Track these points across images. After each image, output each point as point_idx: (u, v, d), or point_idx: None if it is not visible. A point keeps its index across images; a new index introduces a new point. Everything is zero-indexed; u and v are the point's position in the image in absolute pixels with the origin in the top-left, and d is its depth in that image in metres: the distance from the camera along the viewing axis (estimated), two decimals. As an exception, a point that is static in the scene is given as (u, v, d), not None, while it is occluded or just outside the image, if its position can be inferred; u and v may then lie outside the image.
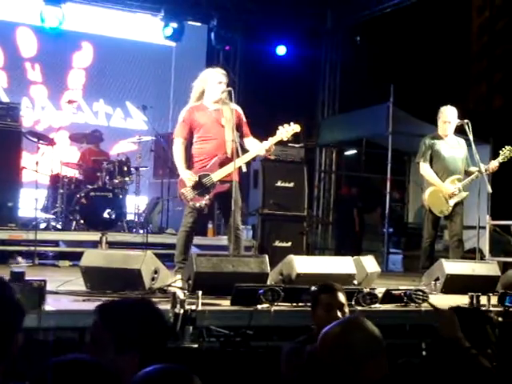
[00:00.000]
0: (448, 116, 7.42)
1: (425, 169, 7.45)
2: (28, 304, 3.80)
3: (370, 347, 2.47)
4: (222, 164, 6.15)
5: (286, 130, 6.29)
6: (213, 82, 6.21)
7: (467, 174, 7.49)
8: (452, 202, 7.36)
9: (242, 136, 6.34)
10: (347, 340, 2.48)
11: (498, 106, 18.25)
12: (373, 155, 14.03)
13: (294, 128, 6.33)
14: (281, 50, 12.88)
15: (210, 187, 6.15)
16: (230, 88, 6.26)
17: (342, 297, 3.84)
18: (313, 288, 4.08)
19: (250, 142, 6.33)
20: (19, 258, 7.74)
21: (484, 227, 8.98)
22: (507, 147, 7.41)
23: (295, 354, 3.65)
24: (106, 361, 2.21)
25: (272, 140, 6.29)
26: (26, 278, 4.11)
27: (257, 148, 6.25)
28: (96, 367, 1.91)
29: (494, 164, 7.40)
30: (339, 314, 3.72)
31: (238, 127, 6.24)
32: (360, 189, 14.19)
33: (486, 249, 9.19)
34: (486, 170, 7.38)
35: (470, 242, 9.52)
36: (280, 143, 9.33)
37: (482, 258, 8.82)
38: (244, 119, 6.39)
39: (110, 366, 2.08)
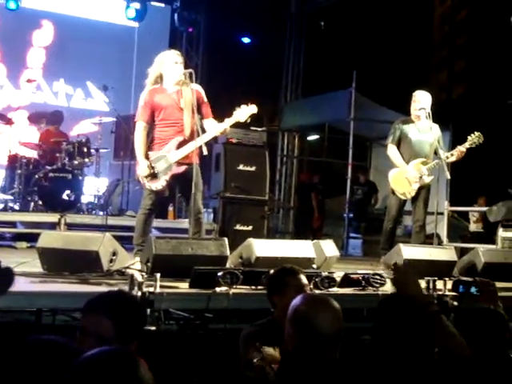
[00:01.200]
0: (421, 101, 7.43)
1: (391, 150, 7.48)
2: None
3: (334, 326, 2.56)
4: (180, 146, 6.10)
5: (244, 112, 6.25)
6: (169, 63, 6.15)
7: (436, 158, 7.48)
8: (415, 186, 7.37)
9: (202, 117, 6.29)
10: (312, 317, 2.56)
11: (459, 94, 18.46)
12: (335, 141, 14.09)
13: (251, 109, 6.27)
14: (246, 40, 12.84)
15: (167, 169, 6.11)
16: (190, 70, 6.20)
17: (304, 279, 3.86)
18: (272, 271, 4.08)
19: (210, 123, 6.28)
20: None
21: (442, 213, 9.08)
22: (476, 133, 7.39)
23: (254, 337, 3.65)
24: None
25: (228, 121, 6.24)
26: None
27: (213, 129, 6.20)
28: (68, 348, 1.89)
29: (461, 149, 7.36)
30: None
31: (199, 108, 6.19)
32: (322, 174, 14.25)
33: (443, 234, 9.31)
34: (450, 156, 7.38)
35: (428, 228, 9.62)
36: (242, 127, 9.38)
37: (440, 243, 8.94)
38: (205, 99, 6.34)
39: None
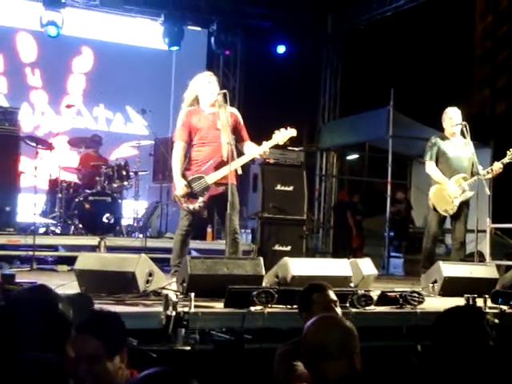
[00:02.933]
0: (455, 117, 7.44)
1: (430, 167, 7.45)
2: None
3: (343, 345, 2.51)
4: (218, 167, 6.15)
5: (282, 135, 6.31)
6: (203, 83, 6.23)
7: (474, 174, 7.40)
8: (457, 202, 7.30)
9: (240, 140, 6.32)
10: (321, 336, 2.53)
11: (502, 110, 18.22)
12: (376, 159, 14.01)
13: (291, 132, 6.35)
14: (281, 49, 12.77)
15: (204, 189, 6.14)
16: (224, 91, 6.26)
17: (333, 294, 3.82)
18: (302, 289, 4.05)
19: (248, 146, 6.32)
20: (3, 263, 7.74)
21: (484, 231, 8.92)
22: None
23: (289, 356, 3.61)
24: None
25: (267, 144, 6.30)
26: (17, 281, 4.10)
27: (252, 151, 6.24)
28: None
29: (498, 166, 7.31)
30: (333, 311, 3.70)
31: (235, 131, 6.23)
32: (362, 193, 14.16)
33: (486, 252, 9.13)
34: (488, 173, 7.34)
35: (470, 246, 9.46)
36: (280, 147, 9.38)
37: (482, 261, 8.77)
38: (241, 122, 6.38)
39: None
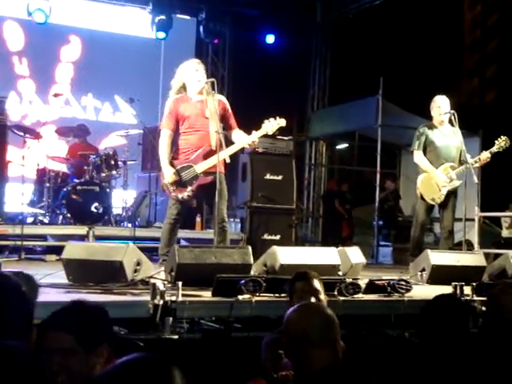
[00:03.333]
0: (441, 105, 7.43)
1: (418, 157, 7.46)
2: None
3: (326, 333, 2.48)
4: (207, 156, 6.12)
5: (272, 124, 6.28)
6: (190, 71, 6.19)
7: (462, 163, 7.43)
8: (444, 190, 7.33)
9: (228, 128, 6.31)
10: (303, 324, 2.50)
11: (491, 99, 18.27)
12: (365, 148, 14.02)
13: (280, 122, 6.31)
14: (270, 39, 12.74)
15: (193, 178, 6.12)
16: (212, 79, 6.23)
17: (317, 284, 3.81)
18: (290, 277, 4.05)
19: (237, 134, 6.30)
20: None
21: (473, 219, 8.93)
22: (503, 137, 7.35)
23: (275, 344, 3.61)
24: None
25: (257, 134, 6.27)
26: (2, 270, 4.07)
27: (240, 141, 6.22)
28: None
29: (486, 155, 7.35)
30: (313, 300, 3.69)
31: (223, 118, 6.21)
32: (352, 183, 14.18)
33: (475, 241, 9.16)
34: (475, 162, 7.36)
35: (459, 235, 9.49)
36: (269, 136, 9.36)
37: (471, 250, 8.80)
38: (229, 110, 6.35)
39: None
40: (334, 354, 2.44)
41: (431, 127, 7.51)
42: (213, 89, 6.14)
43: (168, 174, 6.09)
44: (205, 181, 6.12)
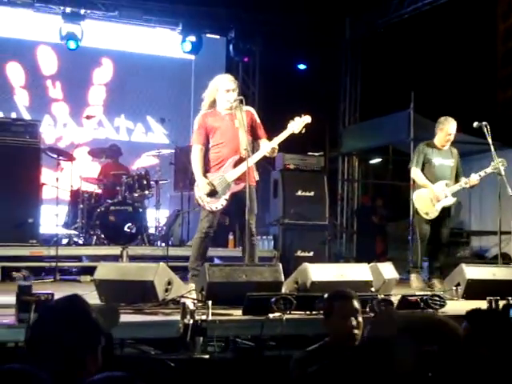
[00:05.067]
0: (450, 129, 7.62)
1: (415, 173, 7.68)
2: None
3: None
4: (236, 164, 6.14)
5: (297, 123, 6.22)
6: (222, 90, 6.22)
7: (457, 182, 7.67)
8: (438, 206, 7.53)
9: (256, 138, 6.31)
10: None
11: (526, 110, 18.01)
12: (399, 163, 13.89)
13: (305, 119, 6.26)
14: (301, 66, 12.87)
15: (226, 188, 6.14)
16: (241, 97, 6.26)
17: (356, 304, 3.76)
18: (326, 295, 4.01)
19: (263, 143, 6.30)
20: (21, 273, 7.78)
21: (509, 232, 8.80)
22: (499, 159, 7.44)
23: (303, 363, 3.58)
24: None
25: (282, 134, 6.24)
26: (34, 292, 4.11)
27: (263, 147, 6.20)
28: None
29: (475, 178, 7.52)
30: (353, 321, 3.65)
31: (252, 129, 6.23)
32: (385, 197, 14.06)
33: (512, 254, 9.03)
34: (465, 183, 7.56)
35: (496, 248, 9.35)
36: (300, 152, 9.37)
37: (508, 263, 8.66)
38: (258, 120, 6.37)
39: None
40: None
41: (430, 146, 7.73)
42: (241, 103, 6.19)
43: (203, 185, 6.12)
44: (237, 188, 6.13)
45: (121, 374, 1.85)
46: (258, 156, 6.19)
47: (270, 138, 6.39)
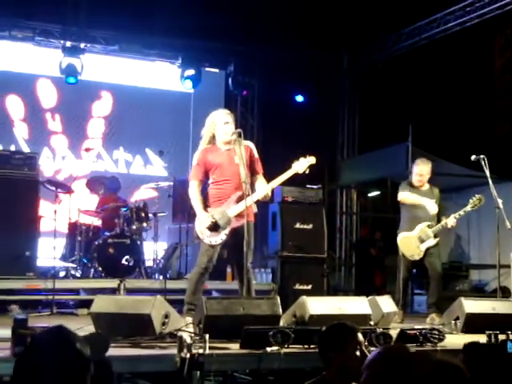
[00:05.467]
0: (420, 170, 7.92)
1: (404, 194, 7.89)
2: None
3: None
4: (238, 201, 6.13)
5: (302, 163, 6.24)
6: (220, 124, 6.25)
7: (439, 221, 7.84)
8: (423, 247, 7.73)
9: (253, 173, 6.31)
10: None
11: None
12: (397, 196, 13.87)
13: (310, 160, 6.28)
14: (299, 98, 12.94)
15: (227, 223, 6.11)
16: (239, 130, 6.28)
17: (360, 336, 3.73)
18: (327, 327, 3.95)
19: (259, 182, 6.30)
20: (13, 306, 7.70)
21: (508, 265, 8.76)
22: (477, 196, 7.63)
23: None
24: None
25: (287, 174, 6.26)
26: (30, 325, 4.08)
27: (260, 191, 6.19)
28: None
29: (452, 220, 7.70)
30: (358, 353, 3.61)
31: (251, 163, 6.23)
32: (385, 230, 14.02)
33: (512, 288, 8.99)
34: (444, 225, 7.73)
35: (496, 281, 9.31)
36: (298, 185, 9.37)
37: (508, 297, 8.64)
38: (256, 155, 6.39)
39: None
40: None
41: (411, 185, 7.95)
42: (239, 137, 6.19)
43: (204, 219, 6.09)
44: (237, 224, 6.09)
45: None
46: (257, 196, 6.17)
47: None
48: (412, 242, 7.76)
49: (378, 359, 2.74)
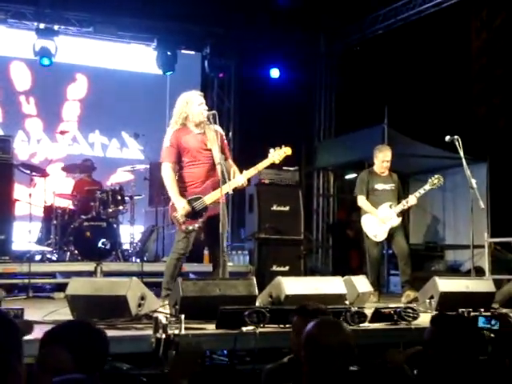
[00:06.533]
0: (384, 156, 8.13)
1: (361, 200, 8.16)
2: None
3: (343, 349, 2.74)
4: (214, 187, 6.10)
5: (278, 153, 6.27)
6: (195, 104, 6.21)
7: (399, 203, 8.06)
8: (386, 228, 7.93)
9: (224, 158, 6.30)
10: (324, 342, 2.75)
11: (498, 126, 18.20)
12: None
13: (286, 151, 6.31)
14: (274, 73, 12.87)
15: (203, 210, 6.09)
16: (214, 111, 6.25)
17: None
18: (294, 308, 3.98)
19: (232, 167, 6.30)
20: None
21: (482, 246, 8.85)
22: (436, 175, 7.91)
23: (274, 376, 3.56)
24: None
25: (263, 163, 6.27)
26: (2, 307, 4.06)
27: (240, 177, 6.17)
28: None
29: (413, 200, 7.93)
30: None
31: (222, 148, 6.20)
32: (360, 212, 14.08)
33: (486, 267, 9.06)
34: (403, 205, 7.95)
35: (470, 262, 9.40)
36: (275, 167, 9.35)
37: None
38: (225, 141, 6.39)
39: None
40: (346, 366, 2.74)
41: (371, 173, 8.23)
42: (214, 121, 6.15)
43: (180, 206, 6.05)
44: (214, 211, 6.08)
45: (82, 376, 1.81)
46: (234, 184, 6.15)
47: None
48: (375, 223, 7.96)
49: (312, 331, 2.82)
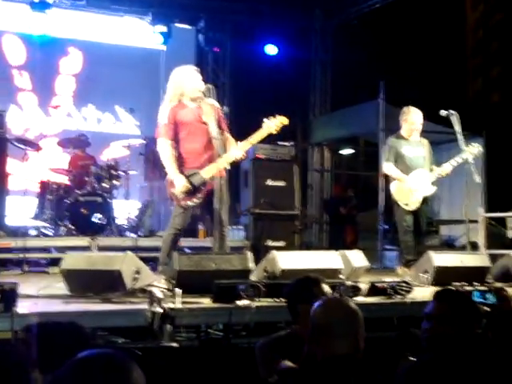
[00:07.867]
0: (413, 118, 7.51)
1: (389, 168, 7.52)
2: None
3: (348, 325, 2.72)
4: (211, 161, 6.04)
5: (275, 123, 6.12)
6: (190, 79, 6.15)
7: (431, 171, 7.51)
8: (419, 196, 7.38)
9: (221, 132, 6.24)
10: (328, 318, 2.74)
11: (494, 100, 18.17)
12: (370, 153, 13.94)
13: (281, 120, 6.12)
14: (270, 50, 12.81)
15: (202, 185, 6.05)
16: (210, 85, 6.20)
17: (327, 287, 3.76)
18: (295, 280, 3.97)
19: (230, 140, 6.24)
20: None
21: (476, 221, 8.85)
22: (475, 144, 7.40)
23: (268, 349, 3.56)
24: None
25: (259, 134, 6.14)
26: (-3, 281, 4.06)
27: (238, 151, 6.09)
28: None
29: (448, 168, 7.37)
30: None
31: (219, 122, 6.15)
32: (357, 188, 14.11)
33: (481, 242, 9.08)
34: (440, 173, 7.41)
35: (465, 237, 9.42)
36: (270, 142, 9.34)
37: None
38: (222, 114, 6.31)
39: None
40: (354, 345, 2.69)
41: (399, 138, 7.59)
42: (209, 95, 6.10)
43: (180, 183, 5.97)
44: (211, 186, 6.03)
45: (115, 351, 1.79)
46: (231, 157, 6.07)
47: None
48: (407, 191, 7.40)
49: (318, 310, 2.80)
